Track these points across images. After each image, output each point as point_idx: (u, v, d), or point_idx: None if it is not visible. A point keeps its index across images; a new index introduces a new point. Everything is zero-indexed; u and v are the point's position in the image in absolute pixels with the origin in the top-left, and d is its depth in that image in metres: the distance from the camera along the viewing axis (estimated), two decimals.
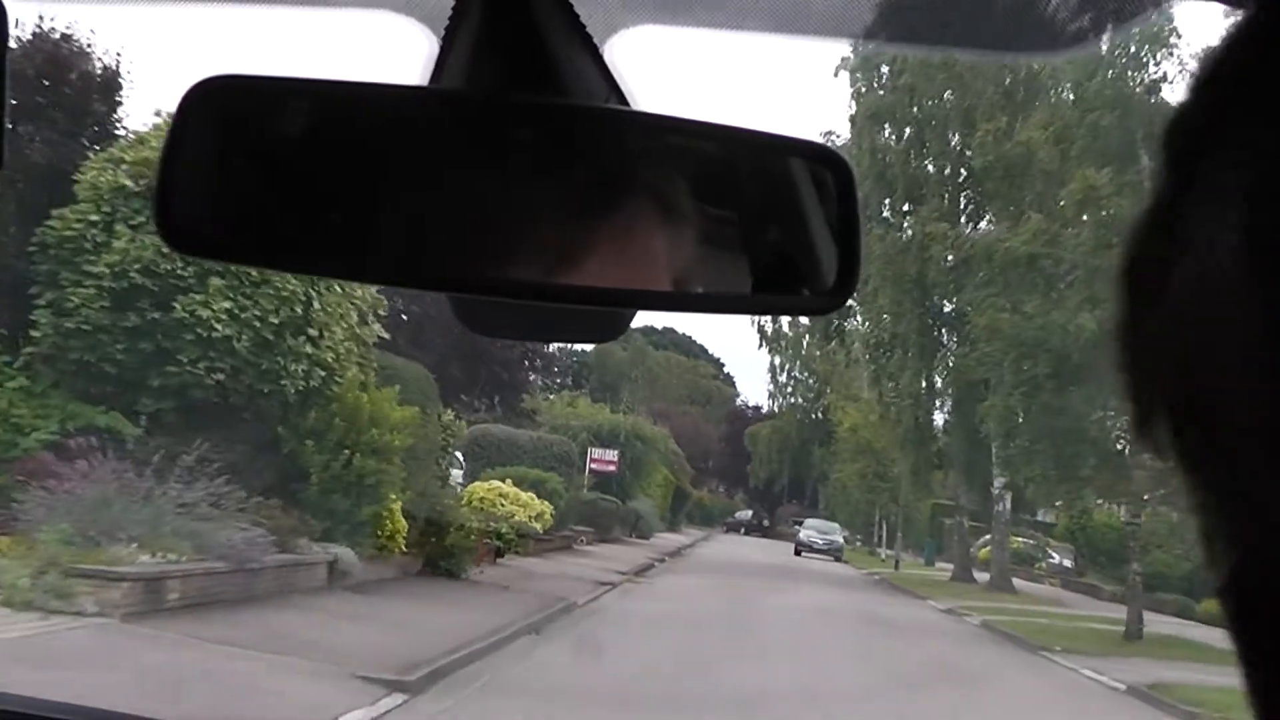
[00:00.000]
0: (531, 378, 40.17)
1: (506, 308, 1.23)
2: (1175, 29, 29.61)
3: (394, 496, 16.67)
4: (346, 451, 15.63)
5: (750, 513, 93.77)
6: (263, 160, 1.13)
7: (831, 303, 1.17)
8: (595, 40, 1.22)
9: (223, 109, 1.11)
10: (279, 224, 1.12)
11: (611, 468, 45.12)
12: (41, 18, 16.87)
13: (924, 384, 38.80)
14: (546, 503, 31.18)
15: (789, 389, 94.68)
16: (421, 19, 1.23)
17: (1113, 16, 1.31)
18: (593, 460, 45.07)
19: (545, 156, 1.12)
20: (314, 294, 15.22)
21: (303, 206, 1.12)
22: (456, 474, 35.58)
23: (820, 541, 57.57)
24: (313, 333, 15.26)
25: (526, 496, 30.67)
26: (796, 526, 67.60)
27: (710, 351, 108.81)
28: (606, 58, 1.25)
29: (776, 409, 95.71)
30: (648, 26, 1.29)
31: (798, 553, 57.93)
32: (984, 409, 28.51)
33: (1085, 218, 23.97)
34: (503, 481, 30.65)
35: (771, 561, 49.57)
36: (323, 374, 15.44)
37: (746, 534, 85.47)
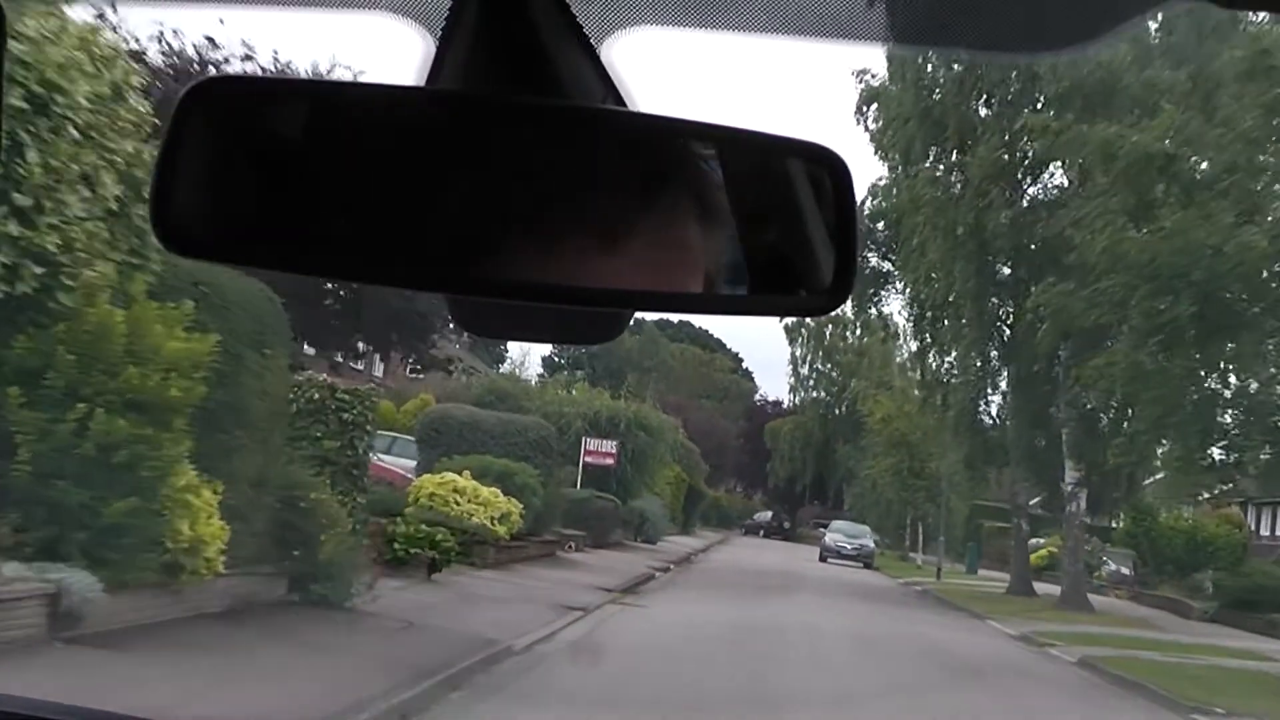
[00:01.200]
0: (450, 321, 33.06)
1: (504, 308, 1.23)
2: None
3: (195, 485, 10.04)
4: (82, 405, 9.06)
5: (770, 514, 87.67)
6: (260, 161, 1.11)
7: (829, 302, 1.16)
8: (592, 41, 1.22)
9: (220, 109, 1.11)
10: (276, 225, 1.11)
11: (609, 461, 38.48)
12: None
13: (978, 360, 31.91)
14: (514, 501, 24.60)
15: (811, 382, 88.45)
16: (419, 20, 1.23)
17: (1113, 16, 1.31)
18: (587, 452, 38.45)
19: (543, 157, 1.11)
20: (26, 135, 8.70)
21: (300, 207, 1.11)
22: (406, 464, 29.07)
23: (849, 546, 50.82)
24: (21, 201, 8.70)
25: (489, 492, 24.07)
26: (821, 529, 60.93)
27: (729, 346, 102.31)
28: (603, 58, 1.25)
29: (798, 404, 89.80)
30: (644, 27, 1.30)
31: (823, 559, 51.21)
32: (1090, 371, 21.35)
33: (1245, 98, 17.27)
34: (459, 474, 24.08)
35: (794, 569, 42.85)
36: (40, 273, 8.84)
37: (766, 537, 79.74)
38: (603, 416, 39.46)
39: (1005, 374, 32.01)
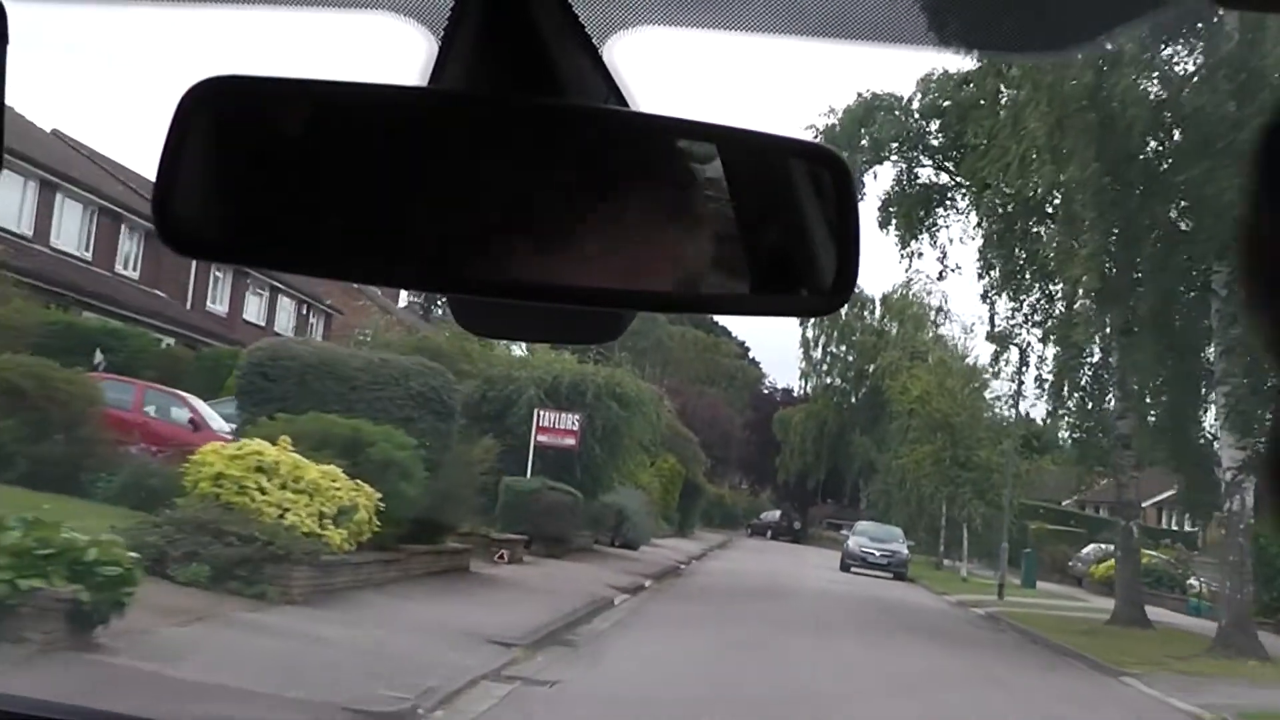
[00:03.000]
0: None
1: (506, 308, 1.23)
2: None
3: None
4: None
5: (778, 513, 78.98)
6: (262, 161, 1.11)
7: (830, 302, 1.15)
8: (594, 41, 1.22)
9: (222, 110, 1.10)
10: (278, 224, 1.11)
11: (570, 441, 28.54)
12: None
13: (1093, 291, 21.46)
14: (365, 488, 14.75)
15: (824, 366, 78.49)
16: (421, 20, 1.23)
17: (1114, 16, 1.30)
18: (540, 429, 28.54)
19: (544, 157, 1.11)
20: None
21: (302, 207, 1.11)
22: (220, 424, 19.26)
23: (877, 553, 40.80)
24: None
25: (319, 473, 14.26)
26: (843, 531, 51.13)
27: (733, 333, 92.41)
28: (605, 58, 1.25)
29: (809, 391, 79.89)
30: (646, 27, 1.29)
31: (846, 568, 41.22)
32: None
33: None
34: (273, 443, 14.22)
35: (811, 583, 32.92)
36: None
37: (774, 538, 71.79)
38: (563, 383, 29.47)
39: (1117, 314, 21.91)
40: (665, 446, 52.55)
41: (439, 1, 1.16)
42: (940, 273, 26.14)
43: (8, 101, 1.14)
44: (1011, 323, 26.09)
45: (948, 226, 30.01)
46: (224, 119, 1.10)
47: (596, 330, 1.49)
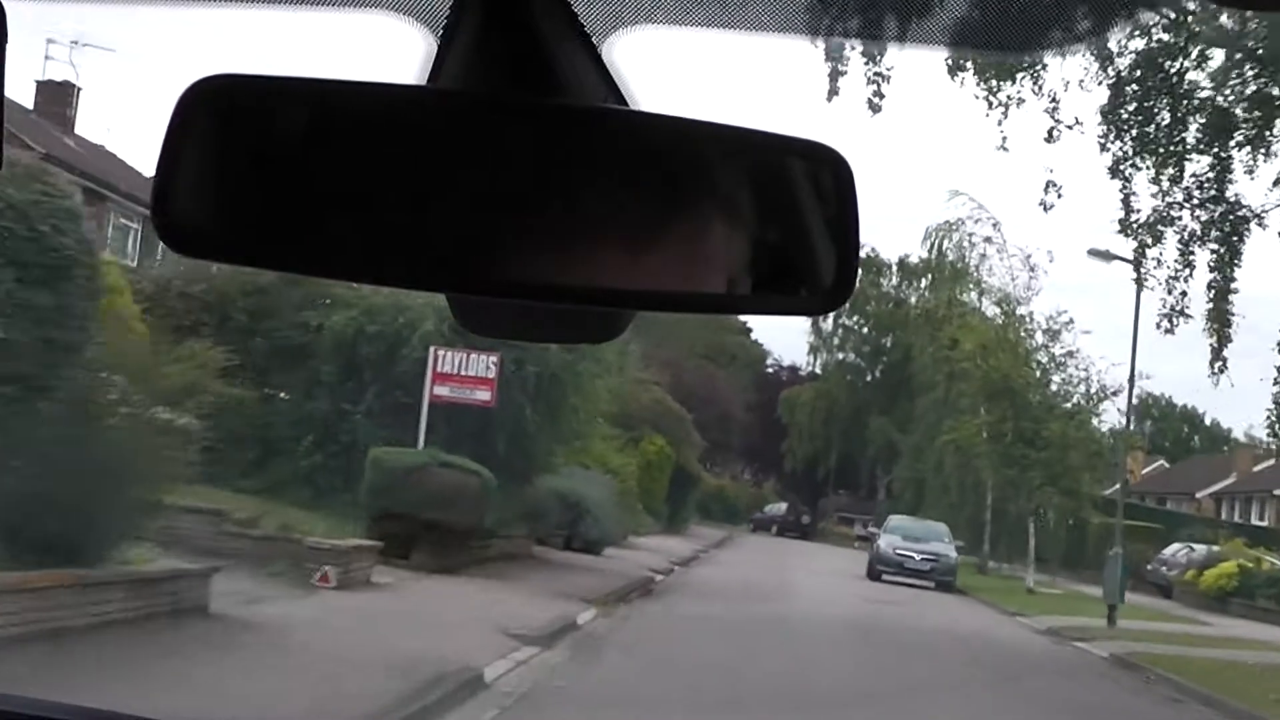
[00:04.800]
0: None
1: (506, 308, 1.23)
2: None
3: None
4: None
5: (785, 506, 68.29)
6: (261, 160, 1.10)
7: (830, 302, 1.13)
8: (594, 40, 1.22)
9: (221, 108, 1.10)
10: (277, 224, 1.10)
11: (482, 395, 18.77)
12: None
13: None
14: None
15: (836, 340, 68.62)
16: (420, 19, 1.23)
17: (1114, 16, 1.31)
18: (438, 377, 18.82)
19: (544, 156, 1.10)
20: None
21: (301, 206, 1.10)
22: None
23: (917, 556, 30.87)
24: None
25: None
26: (869, 529, 41.45)
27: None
28: (605, 58, 1.24)
29: (819, 369, 69.98)
30: (647, 26, 1.29)
31: (875, 574, 31.44)
32: None
33: None
34: None
35: (834, 600, 23.26)
36: None
37: (780, 534, 62.87)
38: None
39: None
40: (651, 424, 42.90)
41: (438, 0, 1.16)
42: (1050, 131, 16.50)
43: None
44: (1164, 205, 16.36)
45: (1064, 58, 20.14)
46: (223, 118, 1.09)
47: (596, 330, 1.47)
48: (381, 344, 19.71)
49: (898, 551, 31.01)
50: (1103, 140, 17.27)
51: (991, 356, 30.16)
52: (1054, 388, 30.81)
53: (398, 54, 1.41)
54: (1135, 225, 17.01)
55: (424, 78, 1.19)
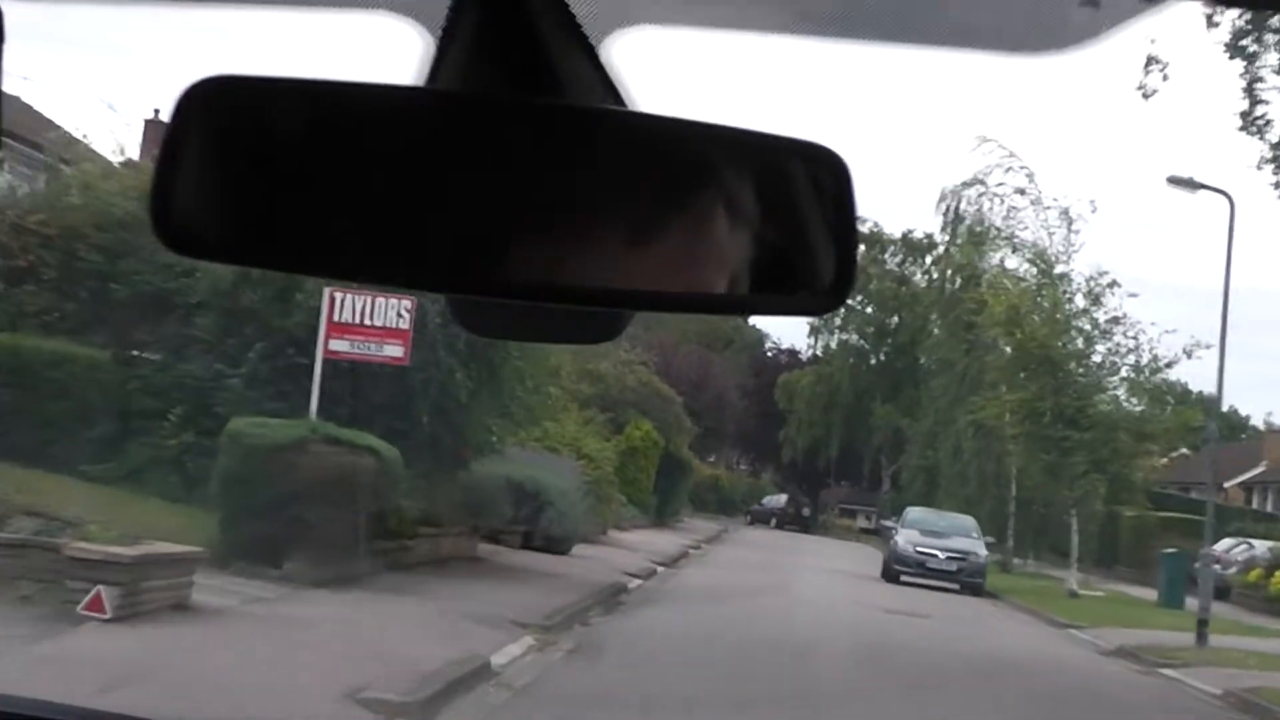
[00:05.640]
0: None
1: (505, 308, 1.22)
2: None
3: None
4: None
5: (784, 497, 64.47)
6: (260, 160, 1.10)
7: (829, 303, 1.13)
8: (592, 40, 1.21)
9: (220, 109, 1.09)
10: (276, 224, 1.10)
11: (393, 351, 14.30)
12: None
13: None
14: None
15: (837, 321, 64.00)
16: (418, 19, 1.22)
17: (1114, 16, 1.29)
18: (334, 328, 14.33)
19: (543, 157, 1.09)
20: None
21: (300, 207, 1.09)
22: None
23: (941, 554, 26.34)
24: None
25: None
26: (885, 523, 37.10)
27: None
28: (603, 58, 1.23)
29: (819, 352, 65.68)
30: (645, 26, 1.28)
31: (891, 574, 26.96)
32: None
33: None
34: None
35: (850, 609, 18.86)
36: None
37: (779, 526, 58.32)
38: None
39: None
40: (637, 407, 38.64)
41: (436, 0, 1.15)
42: None
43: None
44: None
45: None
46: (221, 119, 1.08)
47: (596, 330, 1.45)
48: (269, 290, 15.18)
49: (918, 549, 26.49)
50: (1209, 12, 12.78)
51: (1025, 322, 25.61)
52: (1097, 358, 26.30)
53: (396, 54, 1.41)
54: (1259, 122, 12.48)
55: (423, 78, 1.18)
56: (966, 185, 34.60)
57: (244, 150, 1.10)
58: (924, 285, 60.67)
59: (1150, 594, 27.78)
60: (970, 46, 1.42)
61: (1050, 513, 29.86)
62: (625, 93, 1.23)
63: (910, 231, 62.74)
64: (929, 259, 62.91)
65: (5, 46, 1.12)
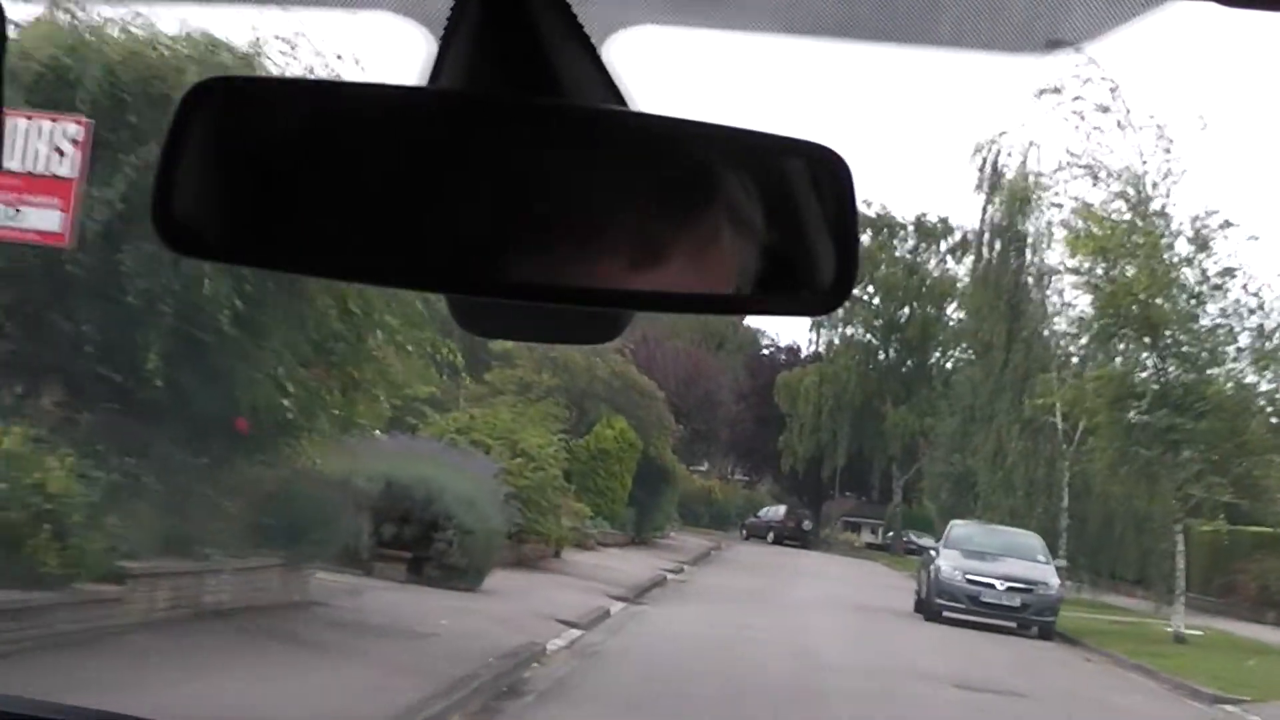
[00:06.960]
0: None
1: (506, 308, 1.21)
2: None
3: None
4: None
5: (783, 509, 56.56)
6: (262, 161, 1.10)
7: (829, 302, 1.13)
8: (593, 40, 1.21)
9: (222, 109, 1.09)
10: (278, 224, 1.10)
11: (45, 219, 7.40)
12: None
13: None
14: None
15: (840, 314, 56.88)
16: (420, 20, 1.22)
17: (1113, 16, 1.29)
18: None
19: (543, 157, 1.09)
20: None
21: (302, 207, 1.09)
22: None
23: (1000, 585, 19.31)
24: None
25: None
26: (920, 542, 30.19)
27: None
28: (604, 58, 1.23)
29: (823, 349, 58.72)
30: (646, 26, 1.27)
31: (933, 612, 19.86)
32: None
33: None
34: None
35: (890, 689, 11.79)
36: None
37: (777, 542, 52.04)
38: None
39: None
40: (609, 402, 32.03)
41: (438, 0, 1.16)
42: None
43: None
44: None
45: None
46: (223, 119, 1.08)
47: (596, 330, 1.43)
48: None
49: (969, 578, 19.44)
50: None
51: (1116, 270, 18.58)
52: (1207, 321, 19.27)
53: (398, 54, 1.39)
54: None
55: (424, 78, 1.17)
56: (1043, 93, 26.75)
57: (245, 151, 1.08)
58: (940, 271, 54.07)
59: (1271, 635, 20.81)
60: (971, 47, 1.36)
61: (1145, 527, 22.88)
62: (626, 93, 1.21)
63: (923, 215, 56.09)
64: (944, 244, 56.31)
65: (6, 46, 1.10)
